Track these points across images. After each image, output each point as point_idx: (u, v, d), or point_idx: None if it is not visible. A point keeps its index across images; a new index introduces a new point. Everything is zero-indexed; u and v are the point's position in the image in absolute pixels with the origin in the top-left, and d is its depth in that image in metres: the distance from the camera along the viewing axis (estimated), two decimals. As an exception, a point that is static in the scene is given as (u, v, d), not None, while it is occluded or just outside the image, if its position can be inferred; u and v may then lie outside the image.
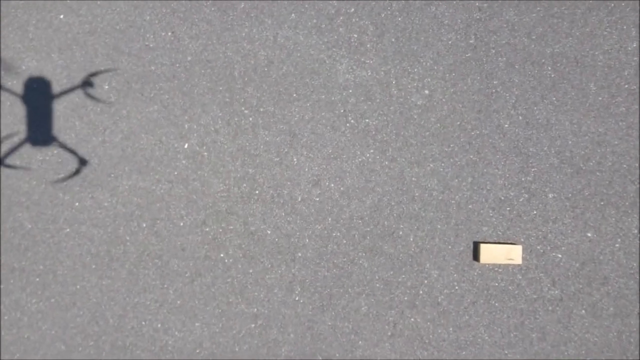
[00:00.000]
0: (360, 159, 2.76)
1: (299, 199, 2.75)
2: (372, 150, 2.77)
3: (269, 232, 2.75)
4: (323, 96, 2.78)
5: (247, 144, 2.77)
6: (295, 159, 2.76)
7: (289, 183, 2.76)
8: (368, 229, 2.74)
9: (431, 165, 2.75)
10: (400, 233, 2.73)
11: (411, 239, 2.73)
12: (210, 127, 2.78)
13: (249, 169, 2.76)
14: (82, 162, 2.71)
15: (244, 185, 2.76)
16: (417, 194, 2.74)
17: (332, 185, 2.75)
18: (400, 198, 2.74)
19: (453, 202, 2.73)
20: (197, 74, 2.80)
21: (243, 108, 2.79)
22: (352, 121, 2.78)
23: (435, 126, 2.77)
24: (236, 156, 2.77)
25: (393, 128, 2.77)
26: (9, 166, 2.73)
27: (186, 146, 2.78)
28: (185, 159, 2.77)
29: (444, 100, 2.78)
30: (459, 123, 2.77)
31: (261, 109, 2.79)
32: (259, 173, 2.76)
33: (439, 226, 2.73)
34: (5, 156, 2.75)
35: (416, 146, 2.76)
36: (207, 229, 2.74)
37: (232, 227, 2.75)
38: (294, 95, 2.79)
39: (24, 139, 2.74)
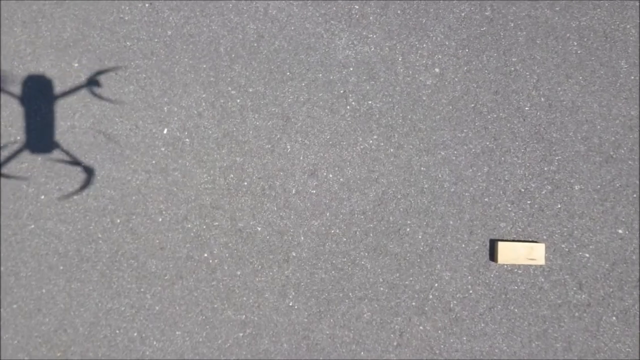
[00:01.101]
0: (362, 146, 2.45)
1: (293, 192, 2.44)
2: (375, 136, 2.45)
3: (259, 228, 2.43)
4: (320, 75, 2.47)
5: (235, 129, 2.46)
6: (288, 146, 2.45)
7: (281, 173, 2.44)
8: (371, 225, 2.42)
9: (442, 153, 2.44)
10: (408, 230, 2.42)
11: (420, 237, 2.42)
12: (193, 110, 2.47)
13: (237, 157, 2.45)
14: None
15: (231, 175, 2.45)
16: (426, 186, 2.43)
17: (331, 175, 2.44)
18: (407, 190, 2.43)
19: (467, 194, 2.42)
20: (178, 50, 2.48)
21: (230, 88, 2.47)
22: (353, 103, 2.46)
23: (447, 109, 2.46)
24: (222, 143, 2.45)
25: (399, 111, 2.46)
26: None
27: (165, 132, 2.46)
28: (165, 146, 2.46)
29: (456, 79, 2.46)
30: (473, 105, 2.46)
31: (250, 90, 2.47)
32: (247, 162, 2.45)
33: (451, 222, 2.42)
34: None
35: (425, 131, 2.45)
36: (189, 225, 2.43)
37: (217, 224, 2.44)
38: (287, 73, 2.47)
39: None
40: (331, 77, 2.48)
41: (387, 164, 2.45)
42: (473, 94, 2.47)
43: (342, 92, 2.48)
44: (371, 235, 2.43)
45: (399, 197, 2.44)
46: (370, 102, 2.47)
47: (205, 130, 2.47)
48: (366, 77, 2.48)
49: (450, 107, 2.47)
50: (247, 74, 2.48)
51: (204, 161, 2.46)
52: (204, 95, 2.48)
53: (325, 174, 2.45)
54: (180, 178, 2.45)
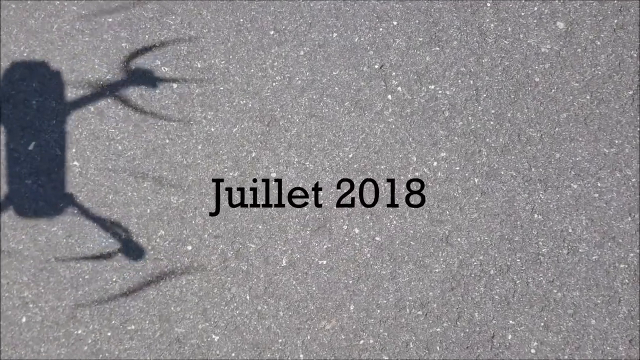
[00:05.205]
0: (418, 172, 1.28)
1: (284, 262, 1.27)
2: (444, 153, 1.29)
3: (215, 337, 1.25)
4: (334, 35, 1.30)
5: (168, 141, 1.28)
6: (274, 173, 1.27)
7: (260, 227, 1.26)
8: (438, 330, 1.25)
9: (574, 187, 1.28)
10: (509, 337, 1.25)
11: (532, 350, 1.25)
12: (87, 105, 1.28)
13: (173, 196, 1.27)
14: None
15: (161, 232, 1.26)
16: (544, 250, 1.28)
17: (357, 230, 1.27)
18: (506, 259, 1.26)
19: (622, 266, 1.27)
20: (59, -10, 1.32)
21: (159, 62, 1.29)
22: (398, 89, 1.30)
23: (580, 100, 1.30)
24: (143, 168, 1.27)
25: (489, 104, 1.29)
26: None
27: (32, 147, 1.28)
28: (32, 175, 1.28)
29: (598, 43, 1.30)
30: (630, 93, 1.31)
31: (198, 64, 1.29)
32: (194, 205, 1.27)
33: (593, 321, 1.26)
34: None
35: (540, 143, 1.28)
36: (78, 332, 1.25)
37: (134, 328, 1.25)
38: (272, 33, 1.31)
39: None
40: (356, 40, 1.30)
41: (468, 206, 1.27)
42: (629, 73, 1.30)
43: (377, 67, 1.30)
44: (438, 348, 1.24)
45: (491, 272, 1.26)
46: (432, 86, 1.30)
47: (112, 144, 1.28)
48: (423, 40, 1.30)
49: (588, 97, 1.29)
50: (193, 33, 1.30)
51: (109, 204, 1.27)
52: (108, 76, 1.29)
53: (345, 227, 1.27)
54: (62, 238, 1.26)
